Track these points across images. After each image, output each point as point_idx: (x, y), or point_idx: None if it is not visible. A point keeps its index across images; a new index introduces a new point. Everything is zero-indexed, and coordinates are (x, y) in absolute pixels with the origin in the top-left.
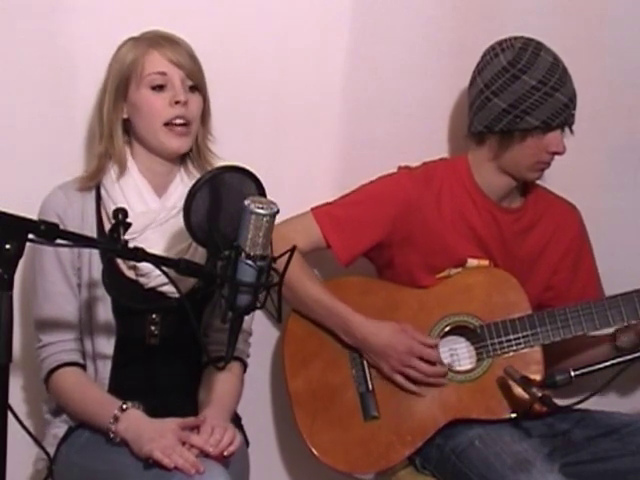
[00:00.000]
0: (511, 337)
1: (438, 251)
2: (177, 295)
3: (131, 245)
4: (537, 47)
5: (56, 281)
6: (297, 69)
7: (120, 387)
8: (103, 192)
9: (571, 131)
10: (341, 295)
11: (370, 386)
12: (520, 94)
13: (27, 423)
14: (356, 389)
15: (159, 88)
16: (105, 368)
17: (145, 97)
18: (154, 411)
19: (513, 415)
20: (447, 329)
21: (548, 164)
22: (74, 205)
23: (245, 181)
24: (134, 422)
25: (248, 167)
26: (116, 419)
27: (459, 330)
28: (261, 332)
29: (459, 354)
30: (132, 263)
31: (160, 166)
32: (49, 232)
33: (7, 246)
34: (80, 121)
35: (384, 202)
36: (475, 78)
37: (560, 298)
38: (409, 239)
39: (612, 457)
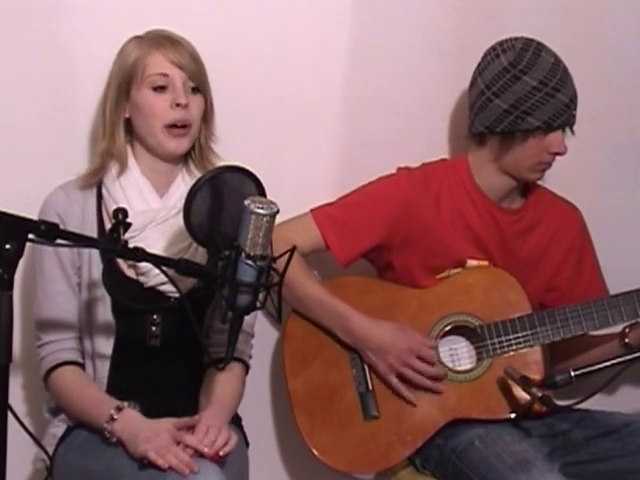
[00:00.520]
0: (511, 337)
1: (437, 252)
2: (177, 295)
3: (131, 244)
4: (538, 48)
5: (56, 280)
6: (297, 69)
7: (119, 387)
8: (104, 191)
9: (572, 132)
10: (341, 295)
11: (370, 386)
12: (521, 95)
13: (27, 423)
14: (356, 389)
15: (160, 89)
16: (104, 368)
17: (146, 98)
18: (154, 411)
19: (513, 415)
20: (447, 329)
21: (549, 164)
22: (74, 204)
23: (245, 181)
24: (130, 422)
25: (248, 167)
26: (112, 419)
27: (459, 330)
28: (261, 332)
29: (459, 354)
30: (132, 262)
31: (161, 166)
32: (49, 232)
33: (7, 246)
34: (80, 121)
35: (383, 203)
36: (476, 79)
37: (563, 299)
38: (408, 240)
39: (612, 457)
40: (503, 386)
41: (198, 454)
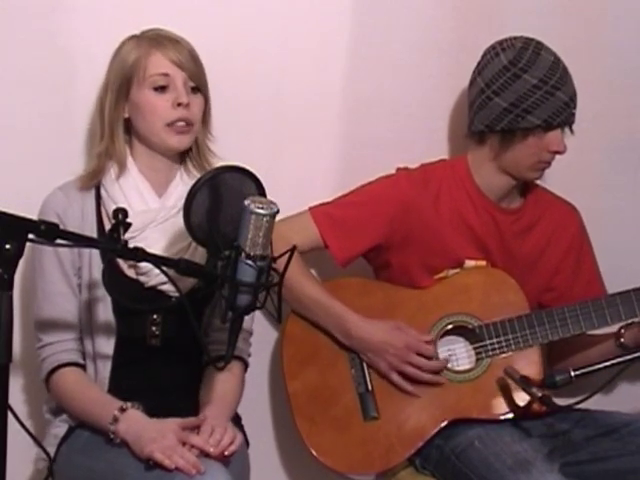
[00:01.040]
0: (510, 337)
1: (436, 252)
2: (177, 294)
3: (131, 244)
4: (537, 46)
5: (56, 281)
6: (297, 69)
7: (120, 387)
8: (103, 192)
9: (571, 131)
10: (339, 296)
11: (369, 386)
12: (521, 93)
13: (27, 423)
14: (355, 389)
15: (161, 89)
16: (105, 368)
17: (147, 98)
18: (155, 411)
19: (512, 415)
20: (446, 329)
21: (549, 163)
22: (74, 205)
23: (245, 181)
24: (134, 423)
25: (248, 167)
26: (116, 420)
27: (458, 330)
28: (261, 332)
29: (458, 354)
30: (132, 262)
31: (160, 163)
32: (49, 232)
33: (7, 246)
34: (80, 121)
35: (382, 203)
36: (475, 78)
37: (562, 298)
38: (407, 240)
39: (612, 457)
40: (502, 386)
41: (204, 454)
